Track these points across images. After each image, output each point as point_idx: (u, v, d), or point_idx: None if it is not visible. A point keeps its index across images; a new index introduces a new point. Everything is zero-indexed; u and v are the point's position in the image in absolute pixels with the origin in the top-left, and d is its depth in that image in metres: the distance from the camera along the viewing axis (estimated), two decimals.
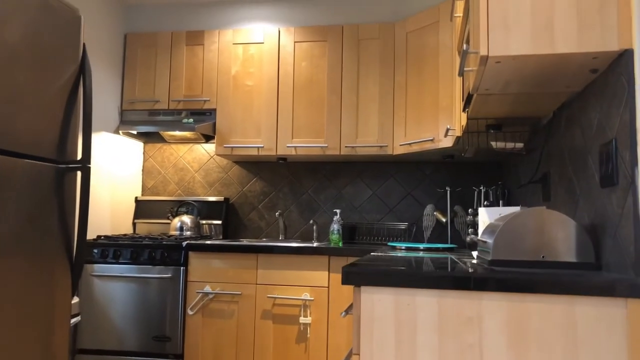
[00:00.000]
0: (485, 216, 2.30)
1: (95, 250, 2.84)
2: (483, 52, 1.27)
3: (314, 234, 3.27)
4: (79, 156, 1.86)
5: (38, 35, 1.70)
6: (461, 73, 1.51)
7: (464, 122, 2.23)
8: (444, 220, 3.12)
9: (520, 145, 1.90)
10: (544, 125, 2.01)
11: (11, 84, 1.59)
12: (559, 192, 1.81)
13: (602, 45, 1.22)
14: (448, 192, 3.15)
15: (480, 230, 2.32)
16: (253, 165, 3.50)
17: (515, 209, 2.11)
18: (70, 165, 1.77)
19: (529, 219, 1.42)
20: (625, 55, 1.22)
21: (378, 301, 1.24)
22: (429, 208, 3.19)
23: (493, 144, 1.97)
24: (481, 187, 2.85)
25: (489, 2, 1.29)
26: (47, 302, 1.80)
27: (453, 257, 1.97)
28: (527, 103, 1.72)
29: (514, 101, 1.70)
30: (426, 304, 1.22)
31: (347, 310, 1.57)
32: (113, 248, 2.83)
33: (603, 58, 1.27)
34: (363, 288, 1.25)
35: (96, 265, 2.83)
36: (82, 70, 1.78)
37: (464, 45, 1.36)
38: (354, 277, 1.26)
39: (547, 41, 1.24)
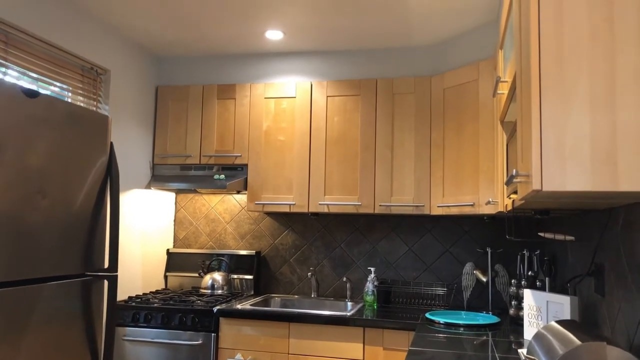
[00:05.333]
0: (532, 300, 2.16)
1: (128, 314, 2.81)
2: (536, 186, 1.15)
3: (348, 292, 3.17)
4: (106, 263, 1.81)
5: (65, 147, 1.66)
6: (508, 184, 1.39)
7: (507, 202, 2.10)
8: (484, 280, 2.97)
9: (570, 238, 1.76)
10: (596, 211, 1.86)
11: (38, 209, 1.55)
12: (616, 294, 1.66)
13: None
14: (489, 253, 3.00)
15: (525, 313, 2.18)
16: (285, 217, 3.43)
17: (565, 299, 1.97)
18: (97, 274, 1.73)
19: (588, 356, 1.28)
20: None
21: None
22: (468, 267, 3.05)
23: (542, 234, 1.84)
24: (525, 252, 2.70)
25: (542, 127, 1.17)
26: None
27: (498, 357, 1.84)
28: (578, 204, 1.58)
29: (565, 202, 1.57)
30: None
31: None
32: (144, 312, 2.81)
33: None
34: None
35: (128, 329, 2.80)
36: (109, 171, 1.74)
37: (513, 170, 1.24)
38: None
39: (608, 178, 1.11)
